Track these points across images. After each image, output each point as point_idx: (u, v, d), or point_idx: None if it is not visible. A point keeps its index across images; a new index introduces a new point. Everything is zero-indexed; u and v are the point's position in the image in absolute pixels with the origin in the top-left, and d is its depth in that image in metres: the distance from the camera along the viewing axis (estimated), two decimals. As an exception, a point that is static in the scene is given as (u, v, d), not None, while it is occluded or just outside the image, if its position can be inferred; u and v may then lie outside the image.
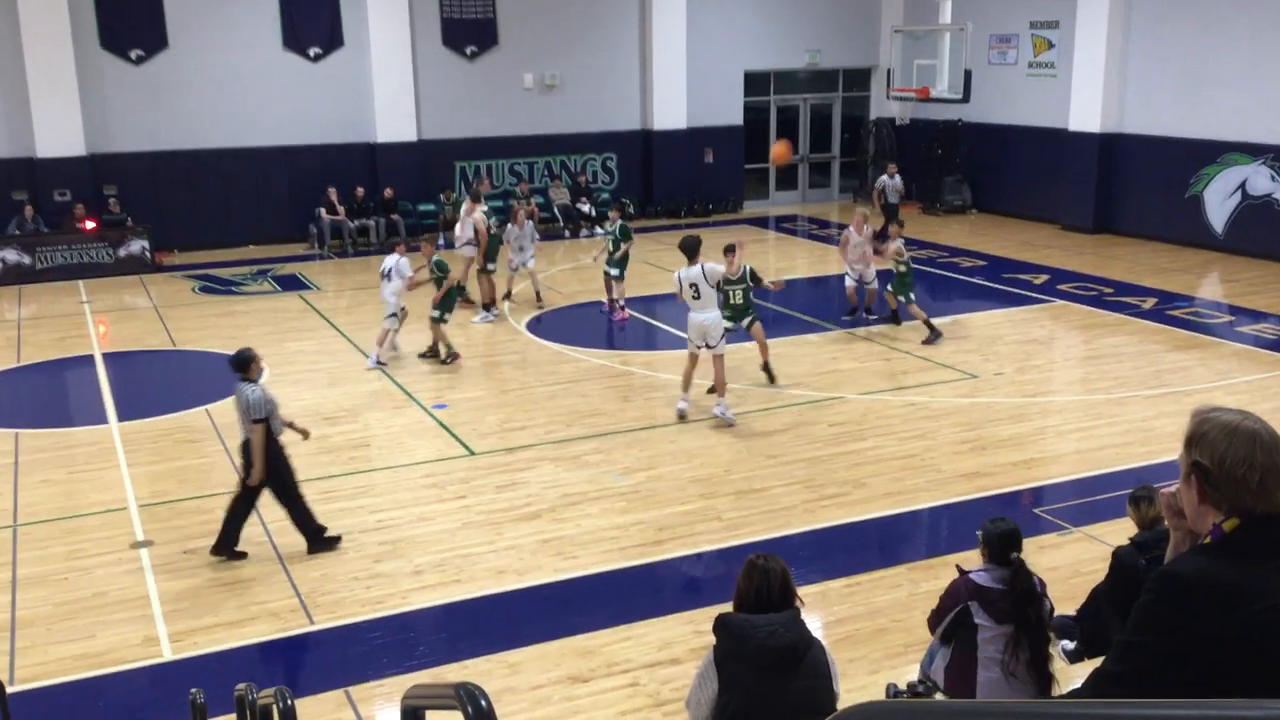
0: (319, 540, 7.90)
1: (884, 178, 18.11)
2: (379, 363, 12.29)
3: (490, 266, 14.32)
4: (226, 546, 7.78)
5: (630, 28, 21.47)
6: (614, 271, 14.36)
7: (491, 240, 14.25)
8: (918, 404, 10.80)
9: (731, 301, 11.04)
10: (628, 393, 11.38)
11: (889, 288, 13.33)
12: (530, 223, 15.04)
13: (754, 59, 22.59)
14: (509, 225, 14.97)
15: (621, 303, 14.42)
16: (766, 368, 11.49)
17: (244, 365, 7.80)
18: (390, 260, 12.37)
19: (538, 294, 15.13)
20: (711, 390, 10.62)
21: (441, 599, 7.23)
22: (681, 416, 10.49)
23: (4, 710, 5.33)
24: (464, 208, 15.01)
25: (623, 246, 14.28)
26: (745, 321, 11.42)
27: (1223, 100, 17.38)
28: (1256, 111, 16.94)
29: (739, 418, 10.45)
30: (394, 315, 12.33)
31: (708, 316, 10.20)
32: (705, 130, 22.10)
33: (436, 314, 12.27)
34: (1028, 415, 10.53)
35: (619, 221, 14.60)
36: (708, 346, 10.24)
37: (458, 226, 15.13)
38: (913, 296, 13.13)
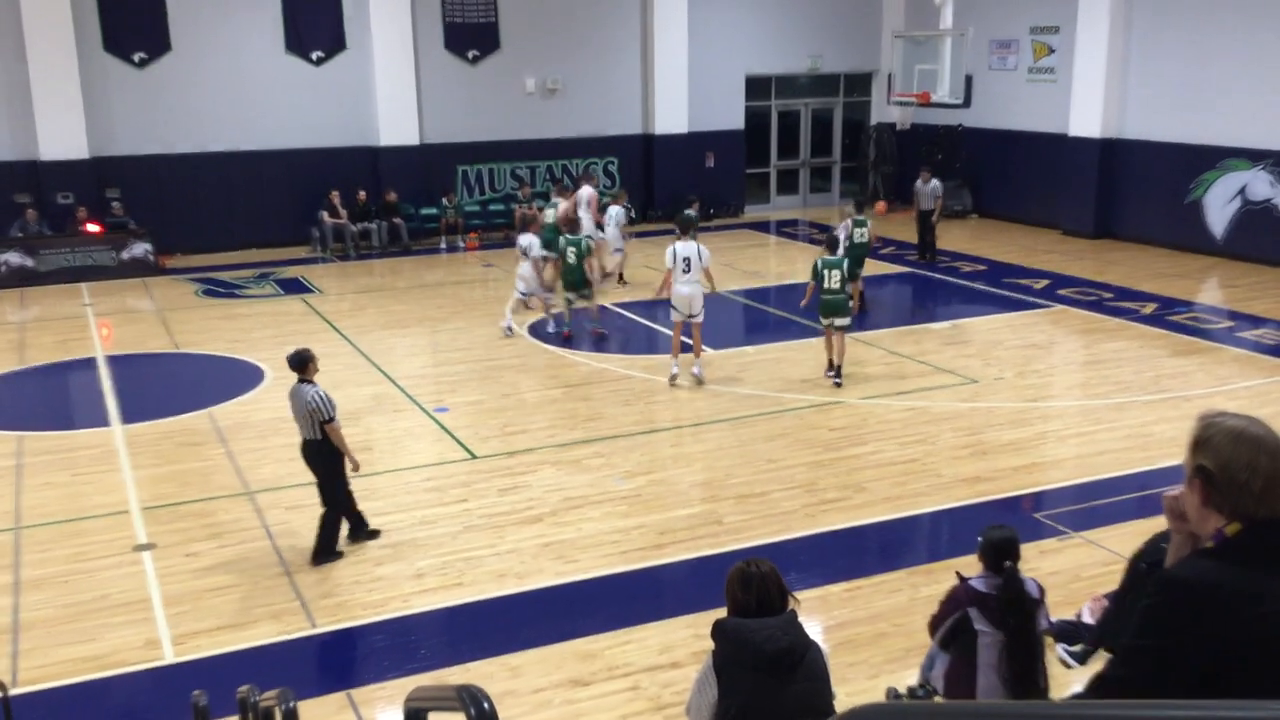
0: (326, 556, 7.78)
1: (918, 183, 17.97)
2: (510, 329, 13.64)
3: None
4: (360, 529, 8.00)
5: (632, 32, 21.52)
6: None
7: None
8: (918, 408, 10.82)
9: (829, 287, 11.40)
10: (629, 397, 11.40)
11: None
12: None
13: (755, 63, 22.64)
14: (612, 207, 16.10)
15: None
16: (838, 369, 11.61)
17: (303, 365, 7.80)
18: (525, 239, 13.70)
19: (621, 277, 16.37)
20: (834, 372, 11.55)
21: (443, 602, 7.24)
22: (673, 381, 11.48)
23: (6, 713, 5.36)
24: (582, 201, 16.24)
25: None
26: (841, 321, 11.45)
27: (1223, 106, 17.41)
28: (1256, 117, 16.96)
29: (743, 421, 10.49)
30: (537, 289, 13.65)
31: (695, 289, 11.37)
32: (706, 134, 22.14)
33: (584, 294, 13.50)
34: (1028, 420, 10.55)
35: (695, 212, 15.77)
36: (691, 316, 11.41)
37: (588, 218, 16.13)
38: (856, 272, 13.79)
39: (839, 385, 11.38)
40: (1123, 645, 2.25)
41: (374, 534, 8.13)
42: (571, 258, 13.32)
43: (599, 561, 7.74)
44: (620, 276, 16.45)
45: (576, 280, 13.36)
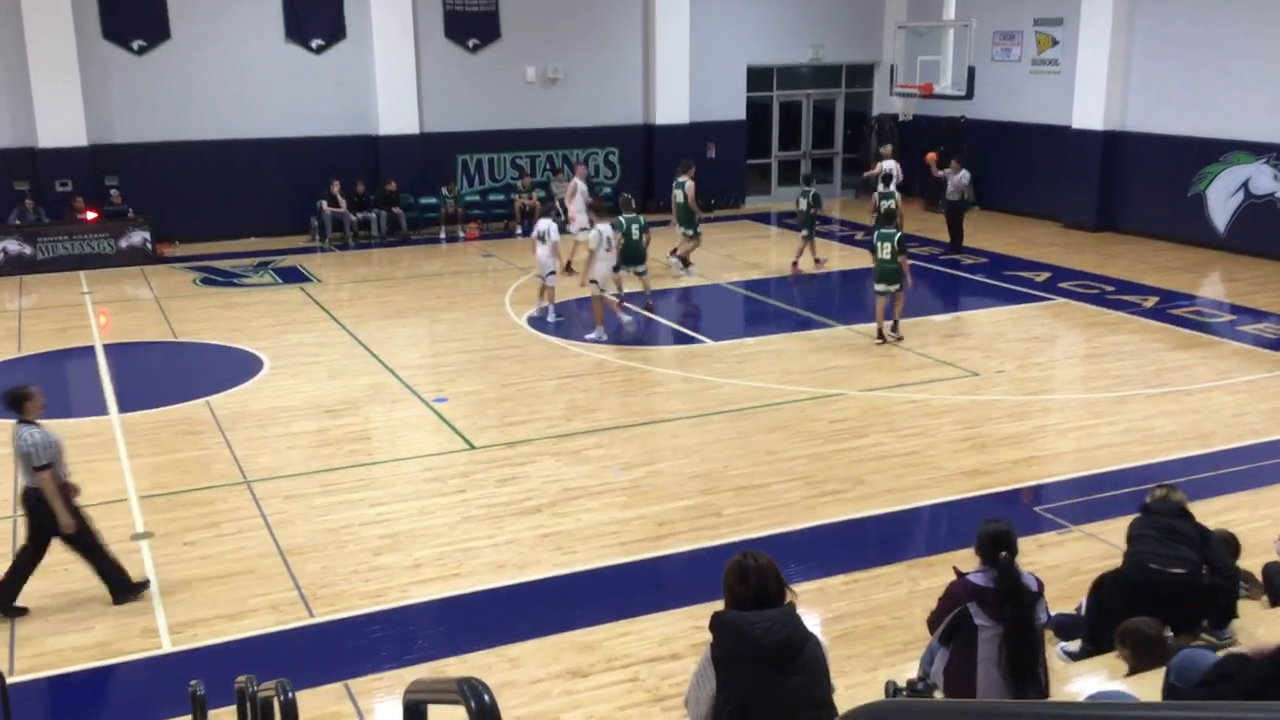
0: (127, 593, 7.07)
1: (946, 172, 18.01)
2: (556, 317, 13.82)
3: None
4: (7, 602, 6.92)
5: (633, 22, 21.45)
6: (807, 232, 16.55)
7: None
8: (919, 401, 10.80)
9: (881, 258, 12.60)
10: (628, 388, 11.39)
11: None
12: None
13: (757, 54, 22.57)
14: (685, 179, 16.29)
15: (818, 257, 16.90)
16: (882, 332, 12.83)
17: (17, 404, 6.90)
18: (544, 224, 13.74)
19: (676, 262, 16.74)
20: (887, 337, 12.69)
21: (441, 593, 7.23)
22: (600, 339, 12.83)
23: (5, 701, 5.34)
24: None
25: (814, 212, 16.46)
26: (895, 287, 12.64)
27: (1226, 99, 17.37)
28: (1260, 110, 16.92)
29: (742, 412, 10.48)
30: (553, 273, 13.81)
31: (612, 266, 13.13)
32: (708, 125, 22.08)
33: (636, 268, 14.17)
34: (1028, 413, 10.53)
35: (813, 191, 16.51)
36: (604, 291, 12.90)
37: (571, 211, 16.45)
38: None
39: (897, 340, 12.68)
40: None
41: (143, 585, 7.20)
42: (635, 234, 13.73)
43: (598, 553, 7.73)
44: (685, 261, 16.68)
45: (638, 256, 13.84)
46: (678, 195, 16.19)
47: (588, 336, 12.94)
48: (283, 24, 19.11)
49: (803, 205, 16.36)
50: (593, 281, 12.88)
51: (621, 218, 14.20)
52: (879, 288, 12.64)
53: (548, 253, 13.68)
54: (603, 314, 12.96)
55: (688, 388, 11.39)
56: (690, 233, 16.21)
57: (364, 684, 6.23)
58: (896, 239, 12.34)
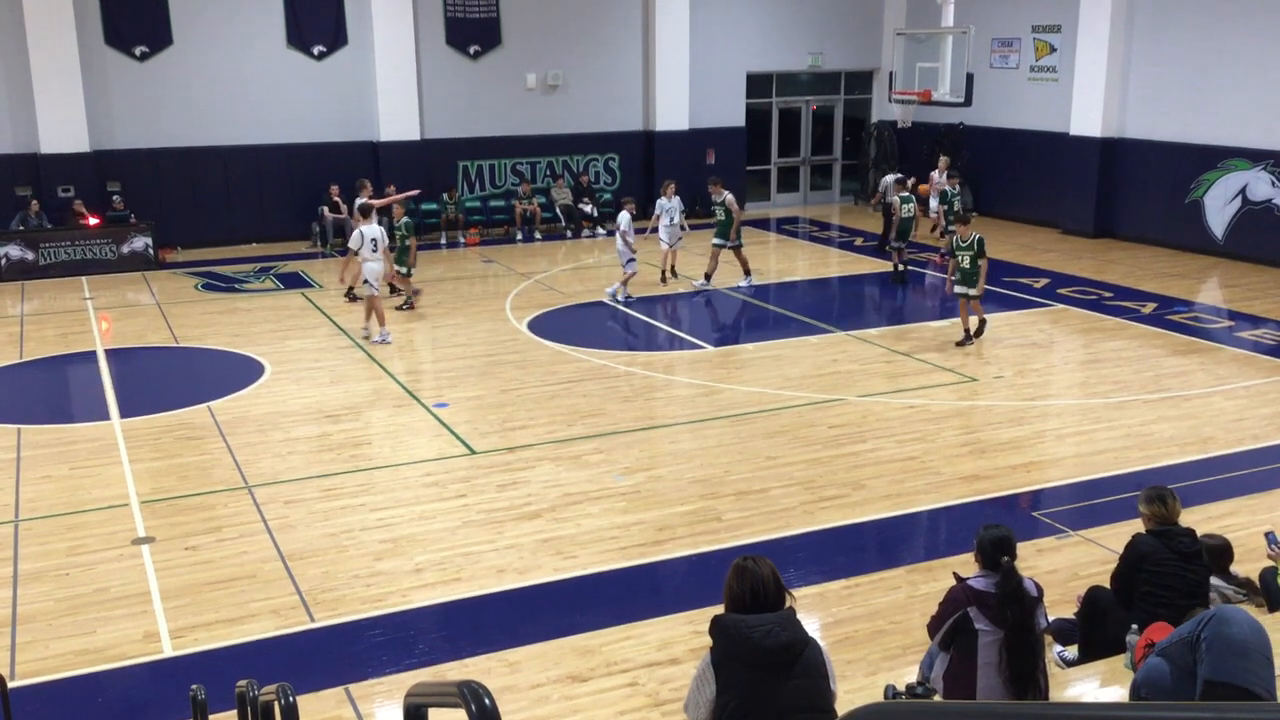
0: None
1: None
2: (626, 298, 15.00)
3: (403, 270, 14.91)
4: None
5: (633, 28, 21.51)
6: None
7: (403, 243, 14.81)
8: (917, 406, 10.83)
9: (961, 266, 12.92)
10: (629, 393, 11.41)
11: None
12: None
13: (756, 61, 22.63)
14: (660, 199, 16.30)
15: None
16: (969, 334, 13.10)
17: None
18: (619, 216, 15.01)
19: (674, 270, 16.50)
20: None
21: (442, 597, 7.25)
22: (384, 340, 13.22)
23: (5, 705, 5.36)
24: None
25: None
26: (974, 290, 12.89)
27: (1224, 106, 17.41)
28: (1257, 117, 16.96)
29: (742, 418, 10.50)
30: (633, 260, 15.01)
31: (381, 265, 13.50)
32: (707, 131, 22.13)
33: (404, 269, 14.84)
34: (1027, 419, 10.56)
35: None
36: (377, 291, 13.34)
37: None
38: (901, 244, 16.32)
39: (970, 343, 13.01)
40: None
41: None
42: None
43: (598, 557, 7.74)
44: (673, 270, 16.51)
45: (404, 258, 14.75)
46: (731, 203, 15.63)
47: (374, 339, 13.25)
48: (284, 31, 19.17)
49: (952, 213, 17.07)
50: (366, 282, 13.22)
51: (406, 220, 14.83)
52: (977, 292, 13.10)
53: (620, 243, 14.89)
54: (374, 313, 13.30)
55: (687, 393, 11.41)
56: (720, 243, 15.77)
57: (365, 688, 6.24)
58: (977, 242, 12.97)
